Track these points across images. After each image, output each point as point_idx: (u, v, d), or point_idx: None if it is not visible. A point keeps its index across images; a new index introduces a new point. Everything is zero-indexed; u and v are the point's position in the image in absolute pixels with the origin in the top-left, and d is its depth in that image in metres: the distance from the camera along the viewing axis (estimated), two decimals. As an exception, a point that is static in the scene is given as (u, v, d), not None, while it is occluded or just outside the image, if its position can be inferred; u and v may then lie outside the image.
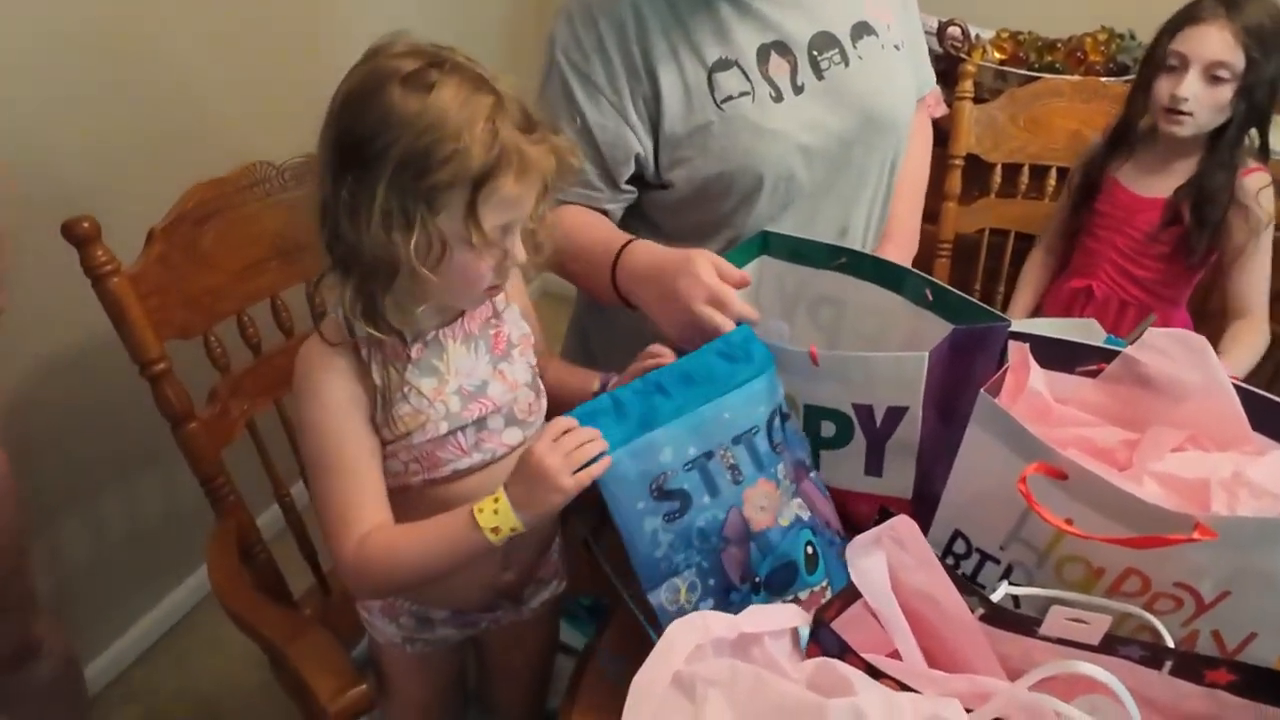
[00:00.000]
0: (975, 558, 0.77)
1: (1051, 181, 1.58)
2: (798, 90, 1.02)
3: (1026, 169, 1.58)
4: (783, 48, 1.02)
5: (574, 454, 0.69)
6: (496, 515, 0.71)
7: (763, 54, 1.01)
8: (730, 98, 0.99)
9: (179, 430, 1.01)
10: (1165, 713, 0.55)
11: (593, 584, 1.24)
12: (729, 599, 0.75)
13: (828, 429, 0.87)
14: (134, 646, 1.63)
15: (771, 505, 0.77)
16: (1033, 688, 0.46)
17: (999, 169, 1.59)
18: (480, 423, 0.81)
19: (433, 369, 0.79)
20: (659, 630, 0.63)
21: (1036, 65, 1.74)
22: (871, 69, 1.06)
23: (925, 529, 0.74)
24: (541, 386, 0.90)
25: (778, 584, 0.77)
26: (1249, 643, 0.68)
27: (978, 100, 1.58)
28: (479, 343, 0.83)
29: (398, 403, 0.77)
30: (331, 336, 0.77)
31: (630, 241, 0.96)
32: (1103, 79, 1.62)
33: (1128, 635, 0.55)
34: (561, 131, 0.76)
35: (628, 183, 1.05)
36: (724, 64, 0.99)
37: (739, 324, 0.82)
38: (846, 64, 1.04)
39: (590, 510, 1.29)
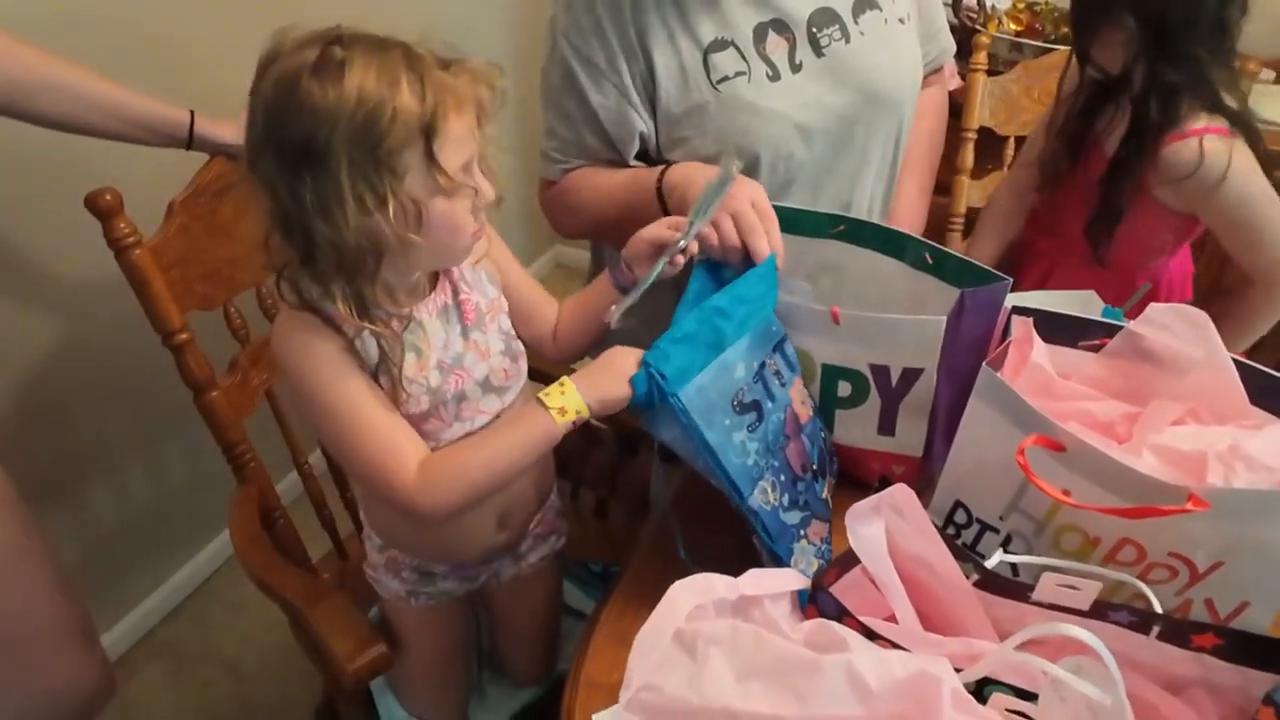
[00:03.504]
0: (975, 527, 0.79)
1: (1065, 155, 1.57)
2: (795, 69, 1.02)
3: (1040, 142, 1.58)
4: (781, 25, 1.02)
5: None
6: (563, 397, 0.75)
7: (760, 32, 1.01)
8: (726, 78, 1.00)
9: (201, 399, 1.04)
10: (1153, 676, 0.57)
11: (601, 550, 1.28)
12: (797, 489, 0.83)
13: (844, 389, 0.89)
14: (159, 607, 1.69)
15: (805, 400, 0.87)
16: (1021, 648, 0.47)
17: (1012, 142, 1.59)
18: (459, 395, 0.83)
19: (414, 347, 0.80)
20: (768, 531, 0.77)
21: (1053, 36, 1.73)
22: (873, 45, 1.05)
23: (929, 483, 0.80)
24: (519, 350, 0.90)
25: (822, 468, 0.88)
26: (1241, 611, 0.69)
27: (993, 73, 1.57)
28: (451, 314, 0.84)
29: (381, 376, 0.79)
30: (307, 317, 0.76)
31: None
32: (1120, 51, 1.60)
33: (1121, 602, 0.57)
34: (469, 57, 0.74)
35: (636, 158, 1.06)
36: (720, 44, 1.00)
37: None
38: (847, 40, 1.04)
39: (601, 482, 1.33)
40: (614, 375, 0.76)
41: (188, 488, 1.68)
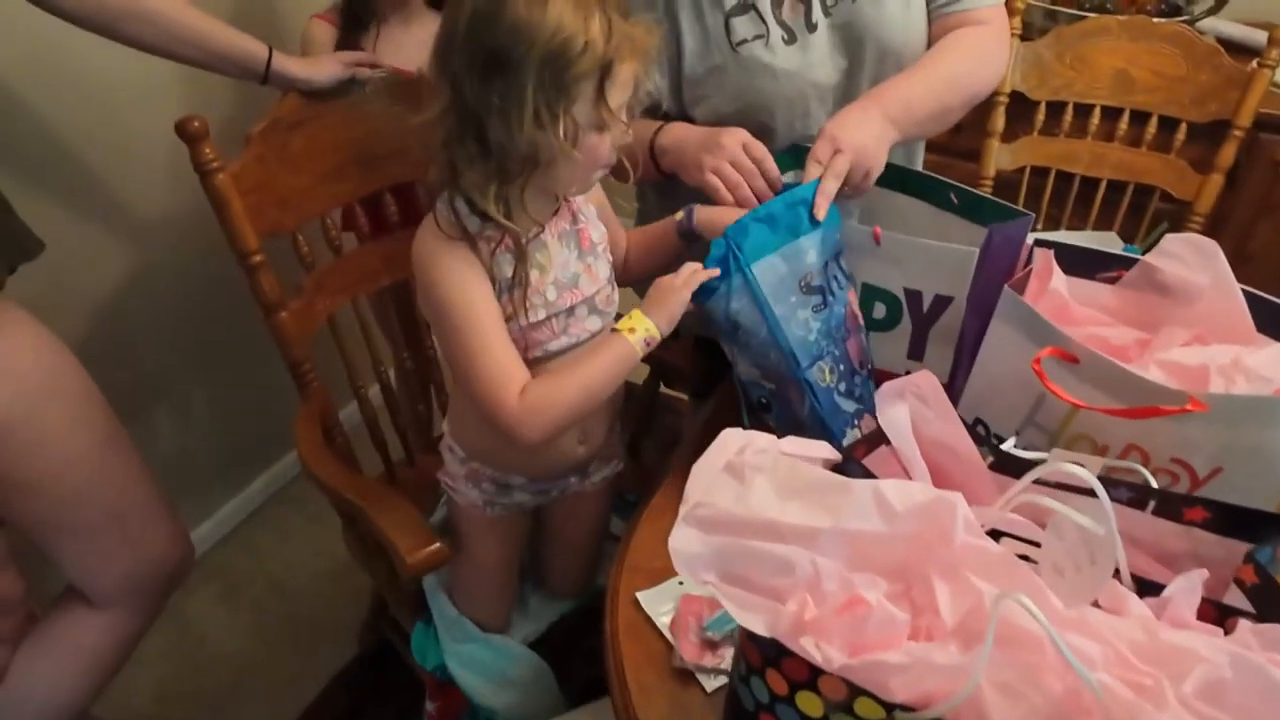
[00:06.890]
0: (994, 442, 0.85)
1: (1095, 121, 1.61)
2: (811, 29, 1.07)
3: (1070, 107, 1.61)
4: None
5: (691, 277, 0.88)
6: (634, 321, 0.89)
7: None
8: (745, 41, 1.06)
9: (272, 318, 1.12)
10: (1150, 552, 0.63)
11: (635, 483, 1.35)
12: (854, 380, 0.91)
13: (879, 310, 0.96)
14: (213, 533, 1.79)
15: (858, 310, 0.95)
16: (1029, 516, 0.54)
17: (1043, 106, 1.63)
18: (570, 311, 0.92)
19: (537, 264, 0.89)
20: (820, 405, 0.86)
21: (1087, 5, 1.75)
22: (878, 1, 1.08)
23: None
24: (615, 282, 0.99)
25: (874, 373, 0.95)
26: (1237, 516, 0.75)
27: (1027, 39, 1.61)
28: (570, 239, 0.93)
29: (507, 289, 0.88)
30: (447, 230, 0.86)
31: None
32: (1154, 19, 1.63)
33: (1120, 479, 0.63)
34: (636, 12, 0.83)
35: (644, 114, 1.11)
36: (740, 8, 1.05)
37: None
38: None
39: (635, 422, 1.40)
40: (668, 297, 0.89)
41: (242, 425, 1.78)
